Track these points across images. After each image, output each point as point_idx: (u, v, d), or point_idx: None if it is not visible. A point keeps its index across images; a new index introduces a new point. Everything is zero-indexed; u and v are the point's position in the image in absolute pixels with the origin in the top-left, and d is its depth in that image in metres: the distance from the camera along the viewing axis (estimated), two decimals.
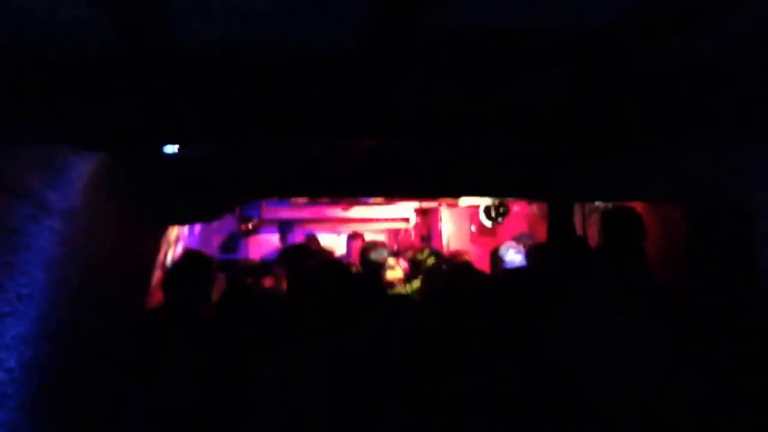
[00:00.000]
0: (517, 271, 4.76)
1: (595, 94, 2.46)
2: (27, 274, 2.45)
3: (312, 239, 7.83)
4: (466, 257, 6.04)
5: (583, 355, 3.21)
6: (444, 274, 5.07)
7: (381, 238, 10.84)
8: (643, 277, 3.51)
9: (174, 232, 6.97)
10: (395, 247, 9.24)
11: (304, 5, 1.85)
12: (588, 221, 6.00)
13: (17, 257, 2.39)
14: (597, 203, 5.57)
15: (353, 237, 7.32)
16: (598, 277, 3.57)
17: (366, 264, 5.21)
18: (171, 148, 3.02)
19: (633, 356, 3.18)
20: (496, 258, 5.39)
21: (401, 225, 10.33)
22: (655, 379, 3.15)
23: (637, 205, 4.63)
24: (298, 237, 9.06)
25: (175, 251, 6.98)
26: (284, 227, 7.96)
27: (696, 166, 3.21)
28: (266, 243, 9.34)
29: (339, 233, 10.74)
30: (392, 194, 5.96)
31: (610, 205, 5.29)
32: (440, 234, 9.03)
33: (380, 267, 5.12)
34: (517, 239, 6.26)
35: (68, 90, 2.26)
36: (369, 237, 9.73)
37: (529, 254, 5.17)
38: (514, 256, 5.37)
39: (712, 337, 3.28)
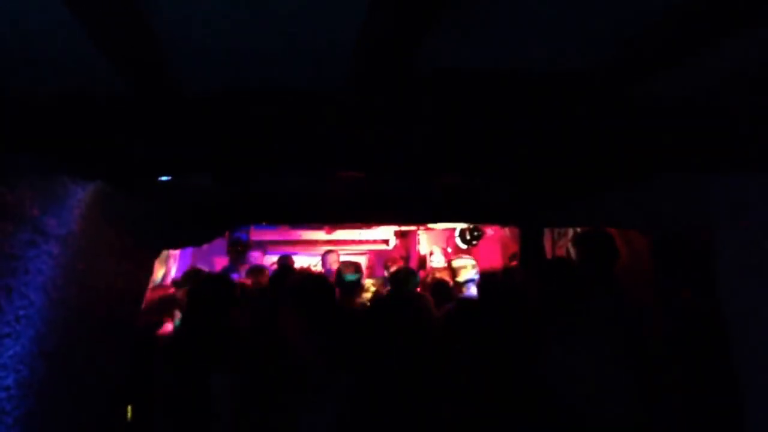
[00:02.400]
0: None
1: (576, 132, 2.48)
2: (25, 297, 2.43)
3: (287, 259, 7.89)
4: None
5: (565, 374, 3.21)
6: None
7: (362, 259, 10.85)
8: (615, 297, 3.53)
9: (166, 253, 6.94)
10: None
11: (295, 51, 1.86)
12: (557, 245, 6.03)
13: (16, 280, 2.37)
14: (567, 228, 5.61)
15: (328, 252, 7.85)
16: (578, 297, 3.57)
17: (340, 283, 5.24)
18: (166, 177, 3.01)
19: (609, 375, 3.19)
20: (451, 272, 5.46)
21: (381, 247, 10.32)
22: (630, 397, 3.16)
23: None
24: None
25: (168, 272, 6.94)
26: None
27: (661, 196, 3.24)
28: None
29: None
30: (374, 221, 5.98)
31: (578, 229, 5.34)
32: (418, 255, 9.04)
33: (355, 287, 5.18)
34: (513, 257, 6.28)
35: (70, 126, 2.26)
36: (351, 258, 9.75)
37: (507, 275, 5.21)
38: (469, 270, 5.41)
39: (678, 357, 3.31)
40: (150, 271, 4.28)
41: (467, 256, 5.88)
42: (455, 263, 5.56)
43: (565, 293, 3.52)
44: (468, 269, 5.45)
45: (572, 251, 4.04)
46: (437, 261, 8.03)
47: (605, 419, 3.11)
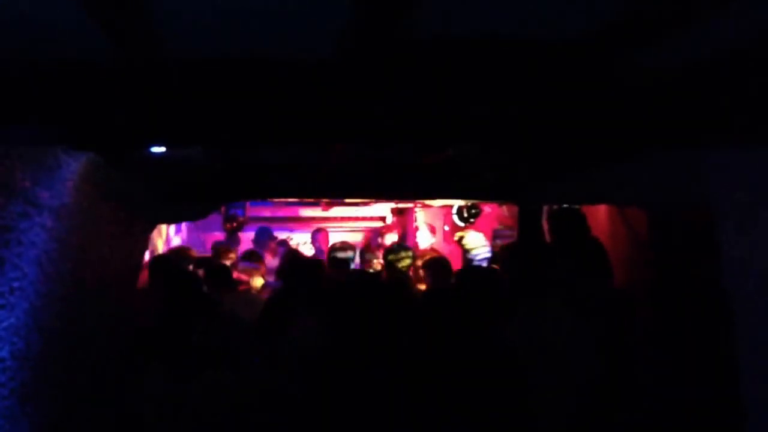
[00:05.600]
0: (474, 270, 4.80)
1: (570, 104, 2.46)
2: (18, 269, 2.43)
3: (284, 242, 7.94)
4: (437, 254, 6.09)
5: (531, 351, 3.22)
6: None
7: (359, 236, 10.86)
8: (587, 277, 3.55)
9: (163, 229, 6.94)
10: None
11: (286, 17, 1.84)
12: None
13: (9, 252, 2.38)
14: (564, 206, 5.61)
15: (318, 231, 8.05)
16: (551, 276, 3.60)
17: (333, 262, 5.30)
18: (159, 149, 2.99)
19: (573, 353, 3.20)
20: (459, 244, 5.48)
21: (378, 224, 10.31)
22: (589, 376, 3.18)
23: (602, 208, 4.68)
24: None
25: (165, 246, 6.94)
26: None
27: (660, 170, 3.22)
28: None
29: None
30: (370, 196, 5.98)
31: (577, 207, 5.34)
32: (415, 233, 9.03)
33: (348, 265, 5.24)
34: (495, 234, 6.30)
35: (59, 94, 2.24)
36: (348, 236, 9.77)
37: (501, 254, 5.22)
38: (481, 248, 5.43)
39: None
40: (145, 246, 4.29)
41: (476, 232, 5.85)
42: (467, 242, 5.55)
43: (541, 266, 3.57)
44: (480, 248, 5.46)
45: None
46: (423, 240, 8.01)
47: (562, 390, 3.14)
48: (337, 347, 3.24)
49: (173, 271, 4.27)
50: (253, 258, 5.92)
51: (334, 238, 8.17)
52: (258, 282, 5.63)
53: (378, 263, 6.06)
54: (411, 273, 5.49)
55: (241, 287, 5.30)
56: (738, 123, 2.52)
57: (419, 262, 5.58)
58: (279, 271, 5.37)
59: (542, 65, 2.27)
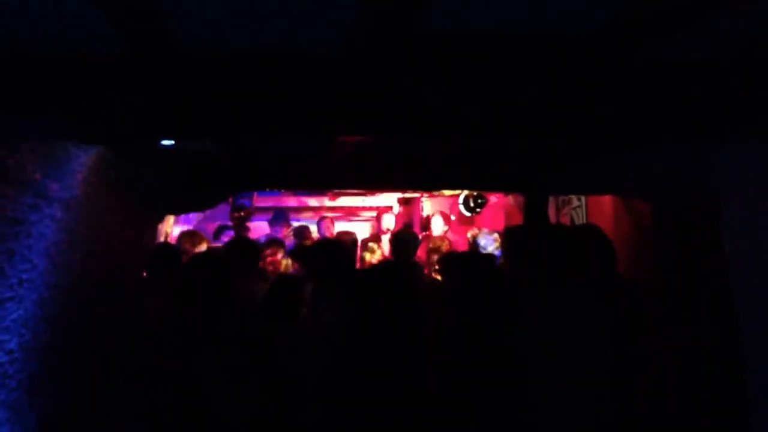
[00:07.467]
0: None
1: (580, 95, 2.44)
2: (28, 260, 2.43)
3: (304, 229, 7.92)
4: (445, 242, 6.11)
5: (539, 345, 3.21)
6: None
7: (366, 225, 10.87)
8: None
9: (170, 219, 6.94)
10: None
11: (296, 11, 1.83)
12: (561, 212, 6.01)
13: (19, 244, 2.37)
14: (571, 195, 5.60)
15: (323, 219, 7.98)
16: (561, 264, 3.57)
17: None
18: (168, 141, 2.99)
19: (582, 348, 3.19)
20: (473, 243, 5.46)
21: (386, 214, 10.31)
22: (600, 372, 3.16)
23: (607, 199, 4.66)
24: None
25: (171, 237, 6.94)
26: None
27: (667, 163, 3.20)
28: (257, 230, 9.33)
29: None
30: (377, 187, 5.97)
31: (583, 198, 5.33)
32: (421, 222, 9.02)
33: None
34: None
35: (69, 86, 2.23)
36: (355, 225, 9.76)
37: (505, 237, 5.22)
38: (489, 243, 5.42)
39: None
40: (153, 237, 4.29)
41: (488, 230, 5.87)
42: (480, 239, 5.56)
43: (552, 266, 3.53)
44: (493, 247, 5.46)
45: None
46: (437, 228, 8.02)
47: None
48: (357, 335, 3.24)
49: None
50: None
51: (340, 227, 8.22)
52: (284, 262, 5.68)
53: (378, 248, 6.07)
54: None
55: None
56: (750, 118, 2.49)
57: (435, 256, 5.59)
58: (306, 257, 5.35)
59: (559, 58, 2.25)
